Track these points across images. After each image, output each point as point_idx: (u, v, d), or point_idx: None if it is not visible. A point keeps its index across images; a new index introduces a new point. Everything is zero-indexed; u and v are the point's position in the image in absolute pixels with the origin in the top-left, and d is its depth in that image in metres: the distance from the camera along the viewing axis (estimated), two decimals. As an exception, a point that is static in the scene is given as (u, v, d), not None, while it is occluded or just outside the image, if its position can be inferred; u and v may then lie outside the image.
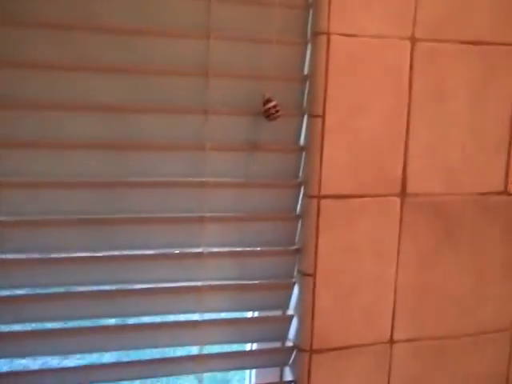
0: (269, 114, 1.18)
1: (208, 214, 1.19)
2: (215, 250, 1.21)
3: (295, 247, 1.27)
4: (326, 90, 1.21)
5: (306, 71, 1.23)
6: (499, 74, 1.34)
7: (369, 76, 1.24)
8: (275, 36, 1.18)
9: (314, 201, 1.23)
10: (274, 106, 1.17)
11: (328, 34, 1.20)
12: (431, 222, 1.33)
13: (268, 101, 1.18)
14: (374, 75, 1.24)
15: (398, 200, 1.30)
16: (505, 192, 1.39)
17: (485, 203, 1.37)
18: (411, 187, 1.31)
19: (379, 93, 1.25)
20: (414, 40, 1.27)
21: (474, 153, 1.35)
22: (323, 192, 1.24)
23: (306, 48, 1.23)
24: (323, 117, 1.22)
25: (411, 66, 1.27)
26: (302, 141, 1.25)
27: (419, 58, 1.27)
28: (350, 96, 1.23)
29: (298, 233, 1.27)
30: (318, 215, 1.24)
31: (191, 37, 1.15)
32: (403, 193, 1.30)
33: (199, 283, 1.20)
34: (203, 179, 1.19)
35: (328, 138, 1.23)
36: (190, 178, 1.18)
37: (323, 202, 1.24)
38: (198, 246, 1.20)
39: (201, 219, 1.19)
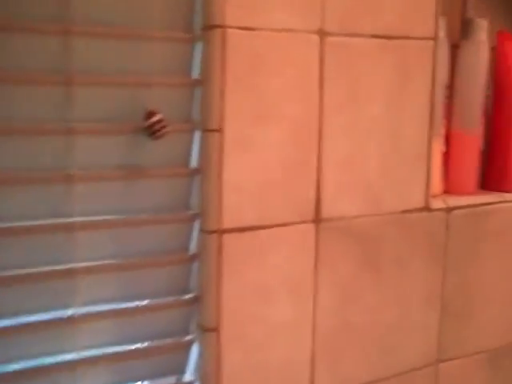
0: (153, 131, 0.94)
1: (79, 265, 0.93)
2: (90, 310, 0.94)
3: (191, 295, 1.02)
4: (223, 98, 0.97)
5: (196, 75, 0.99)
6: (414, 71, 1.16)
7: (274, 78, 1.01)
8: (155, 31, 0.95)
9: (214, 236, 0.99)
10: (159, 121, 0.94)
11: (223, 27, 0.96)
12: (350, 249, 1.13)
13: (151, 114, 0.94)
14: (280, 76, 1.02)
15: (312, 227, 1.08)
16: (426, 208, 1.21)
17: (405, 222, 1.19)
18: (326, 211, 1.09)
19: (287, 98, 1.03)
20: (323, 34, 1.05)
21: (394, 165, 1.16)
22: (225, 225, 1.00)
23: (195, 45, 0.98)
24: (221, 131, 0.98)
25: (322, 64, 1.06)
26: (195, 162, 1.01)
27: (330, 54, 1.07)
28: (253, 103, 1.00)
29: (194, 277, 1.02)
30: (220, 253, 1.00)
31: (45, 32, 0.87)
32: (318, 218, 1.09)
33: (71, 356, 0.93)
34: (70, 219, 0.91)
35: (228, 158, 0.99)
36: (53, 220, 0.90)
37: (225, 237, 1.00)
38: (68, 307, 0.93)
39: (70, 272, 0.92)
